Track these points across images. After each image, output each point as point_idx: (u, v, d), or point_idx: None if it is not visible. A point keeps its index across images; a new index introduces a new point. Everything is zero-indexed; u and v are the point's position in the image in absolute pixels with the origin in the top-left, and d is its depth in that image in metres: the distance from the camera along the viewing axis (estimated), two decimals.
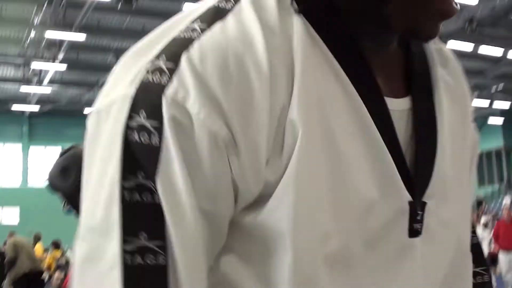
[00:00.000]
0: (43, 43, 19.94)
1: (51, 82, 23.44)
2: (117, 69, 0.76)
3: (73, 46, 20.04)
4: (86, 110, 26.43)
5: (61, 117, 27.86)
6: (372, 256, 0.77)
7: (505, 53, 22.32)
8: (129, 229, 0.65)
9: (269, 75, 0.71)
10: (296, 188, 0.71)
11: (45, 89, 24.20)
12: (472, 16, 17.62)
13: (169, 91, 0.67)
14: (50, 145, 28.42)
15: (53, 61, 20.83)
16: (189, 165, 0.67)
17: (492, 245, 15.00)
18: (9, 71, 23.29)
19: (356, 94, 0.76)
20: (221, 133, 0.68)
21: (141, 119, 0.67)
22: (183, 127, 0.67)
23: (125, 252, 0.65)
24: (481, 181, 35.97)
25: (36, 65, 21.38)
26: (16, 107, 26.49)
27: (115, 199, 0.66)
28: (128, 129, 0.67)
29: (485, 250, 15.00)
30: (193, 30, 0.72)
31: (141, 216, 0.66)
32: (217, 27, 0.72)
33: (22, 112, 27.77)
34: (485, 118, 33.28)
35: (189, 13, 0.76)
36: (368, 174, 0.76)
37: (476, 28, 17.91)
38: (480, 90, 27.84)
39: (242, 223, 0.73)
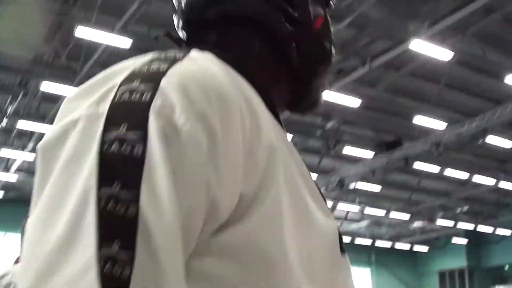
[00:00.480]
0: (14, 132, 19.87)
1: (18, 170, 23.21)
2: (65, 104, 0.81)
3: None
4: None
5: (25, 206, 27.27)
6: (326, 267, 0.92)
7: (470, 177, 22.65)
8: (104, 236, 0.65)
9: (238, 103, 0.81)
10: (282, 207, 0.84)
11: (11, 177, 23.91)
12: (439, 140, 17.94)
13: (156, 106, 0.72)
14: (10, 231, 27.83)
15: (22, 150, 20.71)
16: (175, 174, 0.70)
17: None
18: None
19: (296, 151, 0.97)
20: (204, 144, 0.74)
21: (121, 132, 0.70)
22: (171, 137, 0.71)
23: (100, 258, 0.64)
24: None
25: (4, 152, 21.20)
26: None
27: (90, 207, 0.66)
28: (104, 141, 0.69)
29: None
30: (157, 64, 0.80)
31: (115, 226, 0.66)
32: (178, 64, 0.81)
33: None
34: (449, 238, 33.38)
35: (134, 61, 0.85)
36: (314, 205, 0.94)
37: (443, 152, 18.20)
38: (445, 211, 28.06)
39: (219, 244, 0.78)
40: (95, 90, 0.78)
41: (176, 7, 1.12)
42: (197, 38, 1.07)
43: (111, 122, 0.71)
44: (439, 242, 35.04)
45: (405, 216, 28.94)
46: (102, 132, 0.71)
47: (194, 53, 0.88)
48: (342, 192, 25.19)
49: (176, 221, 0.69)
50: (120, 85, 0.76)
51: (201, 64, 0.84)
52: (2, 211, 27.95)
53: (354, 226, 31.23)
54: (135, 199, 0.67)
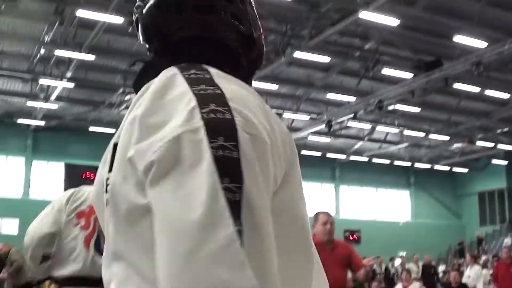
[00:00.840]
0: (52, 60, 20.02)
1: (58, 98, 23.48)
2: (142, 120, 1.08)
3: (82, 65, 20.11)
4: (91, 128, 26.42)
5: (66, 134, 27.86)
6: None
7: (511, 97, 22.31)
8: (234, 217, 0.93)
9: (273, 115, 1.18)
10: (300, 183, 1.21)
11: (52, 105, 24.24)
12: (479, 60, 17.61)
13: (239, 123, 1.02)
14: (53, 160, 28.38)
15: (61, 79, 20.91)
16: (262, 168, 1.02)
17: (491, 285, 15.06)
18: (17, 86, 23.32)
19: None
20: (269, 145, 1.07)
21: (221, 142, 0.98)
22: (255, 143, 1.03)
23: (237, 233, 0.92)
24: (482, 221, 35.81)
25: (43, 81, 21.45)
26: (21, 121, 26.59)
27: (219, 197, 0.94)
28: (213, 149, 0.97)
29: None
30: (206, 87, 1.09)
31: (236, 209, 0.94)
32: (222, 85, 1.11)
33: (28, 126, 27.79)
34: (489, 159, 33.18)
35: (175, 81, 1.13)
36: None
37: (483, 71, 17.89)
38: (485, 132, 27.78)
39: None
40: (166, 111, 1.07)
41: (142, 28, 1.42)
42: (175, 53, 1.36)
43: (211, 134, 0.99)
44: (479, 163, 34.89)
45: (445, 138, 28.78)
46: (208, 143, 0.98)
47: (213, 71, 1.18)
48: (381, 114, 25.05)
49: (268, 201, 1.03)
50: (200, 107, 1.03)
51: (232, 82, 1.16)
52: (44, 140, 28.47)
53: (393, 148, 31.19)
54: (241, 188, 0.96)
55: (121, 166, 1.11)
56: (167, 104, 1.08)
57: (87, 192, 3.92)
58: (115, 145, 1.20)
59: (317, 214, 6.02)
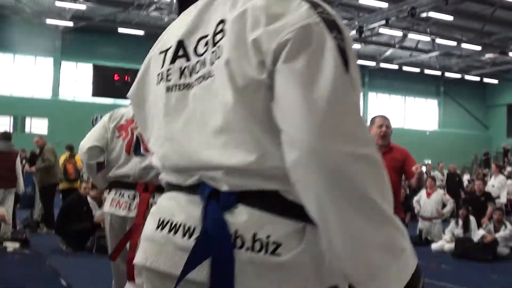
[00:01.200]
0: None
1: None
2: (269, 5, 1.33)
3: None
4: (120, 30, 26.30)
5: (94, 35, 27.80)
6: None
7: None
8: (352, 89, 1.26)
9: None
10: None
11: (80, 6, 24.09)
12: None
13: (339, 22, 1.30)
14: (82, 61, 28.47)
15: None
16: (354, 52, 1.30)
17: None
18: None
19: None
20: None
21: (335, 34, 1.26)
22: (350, 37, 1.30)
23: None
24: (510, 132, 35.61)
25: None
26: (50, 21, 26.50)
27: (343, 74, 1.24)
28: (333, 39, 1.25)
29: (505, 199, 15.20)
30: None
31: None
32: None
33: (56, 27, 27.73)
34: None
35: None
36: None
37: None
38: None
39: None
40: (282, 7, 1.31)
41: None
42: None
43: (329, 28, 1.27)
44: (510, 74, 34.36)
45: (477, 48, 28.28)
46: (329, 34, 1.26)
47: None
48: (413, 21, 24.60)
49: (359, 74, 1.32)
50: (314, 8, 1.30)
51: None
52: (72, 40, 28.43)
53: (424, 57, 30.77)
54: (349, 68, 1.25)
55: (238, 47, 1.32)
56: (281, 3, 1.33)
57: (123, 110, 4.68)
58: (180, 42, 1.50)
59: (373, 118, 6.09)
